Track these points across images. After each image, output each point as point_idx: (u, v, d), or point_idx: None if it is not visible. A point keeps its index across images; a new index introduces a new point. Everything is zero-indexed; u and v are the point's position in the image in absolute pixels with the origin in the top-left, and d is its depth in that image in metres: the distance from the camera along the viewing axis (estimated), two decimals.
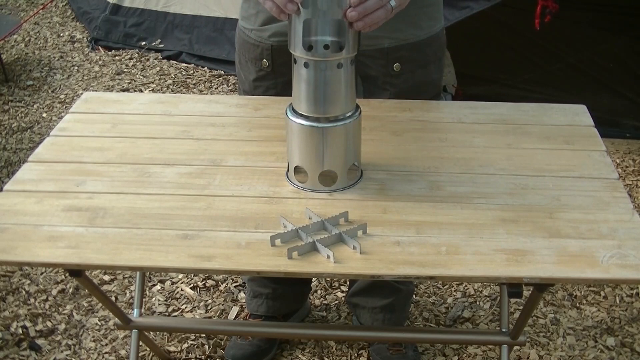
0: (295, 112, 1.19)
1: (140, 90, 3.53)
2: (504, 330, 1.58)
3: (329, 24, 1.14)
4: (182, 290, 2.18)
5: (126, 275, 2.23)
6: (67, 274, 2.21)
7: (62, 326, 2.04)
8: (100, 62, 3.86)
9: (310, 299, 2.09)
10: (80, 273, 1.26)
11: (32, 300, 2.14)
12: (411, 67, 1.48)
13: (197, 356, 1.92)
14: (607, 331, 1.99)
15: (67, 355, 1.94)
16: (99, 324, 2.05)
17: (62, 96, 3.50)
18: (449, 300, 2.11)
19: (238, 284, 2.18)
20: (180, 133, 1.40)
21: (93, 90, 3.33)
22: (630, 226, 1.10)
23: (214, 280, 2.20)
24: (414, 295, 2.03)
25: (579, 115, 1.45)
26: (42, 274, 2.25)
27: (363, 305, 1.88)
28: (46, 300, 2.14)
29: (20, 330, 2.01)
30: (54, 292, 2.17)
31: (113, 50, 3.98)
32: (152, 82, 3.61)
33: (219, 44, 3.75)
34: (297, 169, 1.22)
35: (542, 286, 1.21)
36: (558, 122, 1.42)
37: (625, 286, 2.14)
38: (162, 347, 1.93)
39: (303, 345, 1.95)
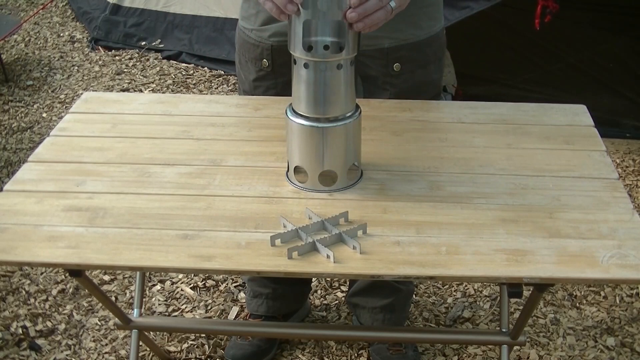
0: (295, 112, 1.19)
1: (140, 90, 3.53)
2: (504, 330, 1.58)
3: (328, 24, 1.14)
4: (182, 290, 2.18)
5: (126, 275, 2.23)
6: (67, 274, 2.21)
7: (62, 326, 2.04)
8: (100, 62, 3.86)
9: (310, 299, 2.09)
10: (80, 273, 1.26)
11: (32, 300, 2.14)
12: (411, 67, 1.48)
13: (197, 356, 1.93)
14: (607, 331, 1.99)
15: (67, 355, 1.94)
16: (99, 324, 2.05)
17: (62, 96, 3.50)
18: (449, 300, 2.11)
19: (238, 284, 2.18)
20: (180, 133, 1.40)
21: (93, 90, 3.33)
22: (630, 226, 1.10)
23: (214, 280, 2.20)
24: (414, 295, 2.03)
25: (579, 115, 1.45)
26: (42, 274, 2.25)
27: (363, 305, 1.88)
28: (46, 300, 2.14)
29: (20, 330, 2.01)
30: (54, 292, 2.17)
31: (113, 50, 3.98)
32: (152, 82, 3.61)
33: (219, 44, 3.75)
34: (297, 169, 1.22)
35: (542, 286, 1.21)
36: (558, 122, 1.42)
37: (625, 286, 2.14)
38: (162, 347, 1.93)
39: (303, 345, 1.95)
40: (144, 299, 2.09)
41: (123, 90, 3.51)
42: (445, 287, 2.16)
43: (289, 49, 1.13)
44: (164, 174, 1.26)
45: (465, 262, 1.03)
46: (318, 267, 1.04)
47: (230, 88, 3.52)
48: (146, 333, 1.76)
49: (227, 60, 3.64)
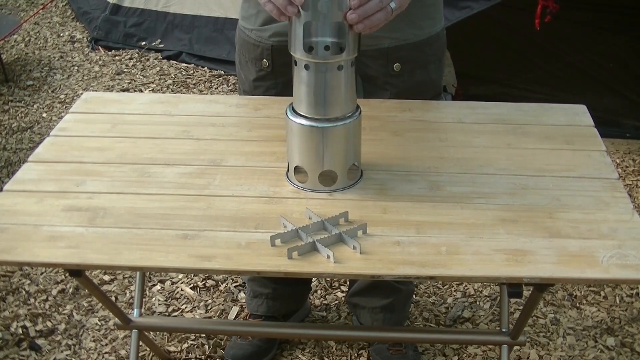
0: (295, 112, 1.19)
1: (140, 90, 3.53)
2: (504, 330, 1.58)
3: (329, 25, 1.15)
4: (182, 290, 2.18)
5: (126, 275, 2.23)
6: (67, 274, 2.21)
7: (62, 326, 2.04)
8: (100, 62, 3.86)
9: (310, 299, 2.09)
10: (80, 273, 1.26)
11: (32, 300, 2.14)
12: (411, 67, 1.48)
13: (197, 356, 1.93)
14: (607, 331, 1.99)
15: (67, 355, 1.94)
16: (99, 324, 2.05)
17: (62, 96, 3.50)
18: (449, 300, 2.11)
19: (238, 284, 2.18)
20: (180, 133, 1.40)
21: (93, 90, 3.33)
22: (630, 226, 1.10)
23: (214, 280, 2.20)
24: (414, 295, 2.03)
25: (579, 115, 1.45)
26: (42, 274, 2.25)
27: (363, 305, 1.88)
28: (46, 300, 2.14)
29: (20, 330, 2.01)
30: (54, 292, 2.17)
31: (113, 50, 3.98)
32: (152, 82, 3.61)
33: (219, 44, 3.75)
34: (297, 169, 1.22)
35: (542, 286, 1.21)
36: (558, 122, 1.42)
37: (625, 286, 2.14)
38: (162, 347, 1.93)
39: (303, 345, 1.95)
40: (144, 299, 2.09)
41: (123, 90, 3.51)
42: (445, 287, 2.16)
43: (290, 50, 1.13)
44: (164, 174, 1.26)
45: (465, 262, 1.03)
46: (318, 267, 1.04)
47: (230, 88, 3.52)
48: (146, 333, 1.76)
49: (227, 60, 3.64)
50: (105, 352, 1.94)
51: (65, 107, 3.36)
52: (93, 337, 2.00)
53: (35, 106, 3.40)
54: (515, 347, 1.76)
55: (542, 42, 3.04)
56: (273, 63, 1.50)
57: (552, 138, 1.36)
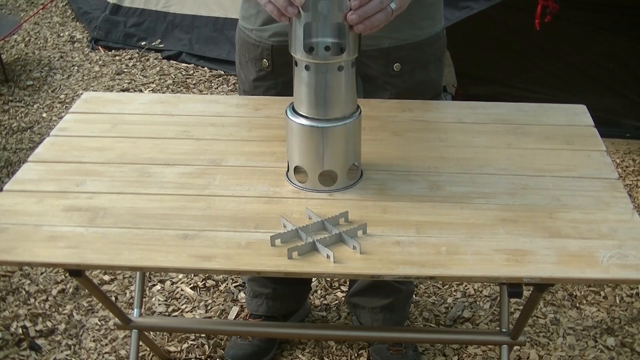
0: (295, 112, 1.19)
1: (140, 90, 3.53)
2: (504, 330, 1.58)
3: (329, 26, 1.15)
4: (182, 290, 2.18)
5: (126, 275, 2.23)
6: (67, 274, 2.21)
7: (62, 326, 2.04)
8: (100, 62, 3.86)
9: (310, 299, 2.09)
10: (80, 273, 1.26)
11: (32, 300, 2.14)
12: (411, 67, 1.48)
13: (197, 356, 1.93)
14: (607, 331, 1.99)
15: (67, 355, 1.94)
16: (99, 324, 2.05)
17: (62, 96, 3.50)
18: (449, 300, 2.11)
19: (238, 284, 2.18)
20: (180, 133, 1.40)
21: (93, 90, 3.33)
22: (630, 226, 1.10)
23: (214, 280, 2.21)
24: (414, 295, 2.03)
25: (579, 115, 1.45)
26: (42, 274, 2.25)
27: (363, 305, 1.88)
28: (46, 300, 2.14)
29: (20, 330, 2.01)
30: (54, 292, 2.17)
31: (113, 50, 3.98)
32: (152, 82, 3.61)
33: (219, 44, 3.75)
34: (297, 169, 1.22)
35: (542, 286, 1.21)
36: (558, 122, 1.42)
37: (625, 286, 2.14)
38: (162, 347, 1.93)
39: (303, 345, 1.95)
40: (144, 299, 2.09)
41: (123, 90, 3.51)
42: (445, 287, 2.16)
43: (290, 51, 1.13)
44: (164, 174, 1.26)
45: (465, 262, 1.03)
46: (318, 267, 1.04)
47: (230, 88, 3.52)
48: (146, 333, 1.76)
49: (227, 60, 3.64)
50: (105, 352, 1.94)
51: (65, 107, 3.36)
52: (93, 337, 2.00)
53: (35, 106, 3.40)
54: (515, 347, 1.76)
55: (542, 42, 3.04)
56: (273, 63, 1.50)
57: (552, 138, 1.36)
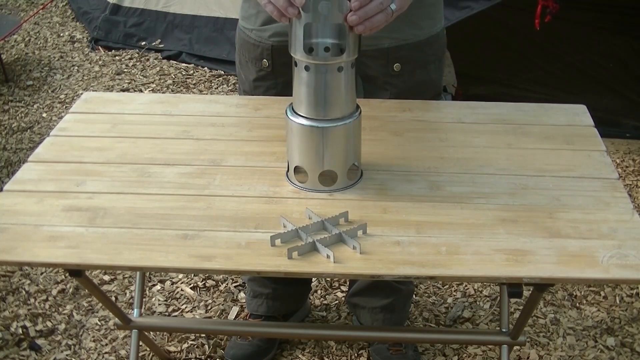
0: (295, 112, 1.19)
1: (140, 90, 3.53)
2: (504, 330, 1.58)
3: (329, 27, 1.15)
4: (182, 290, 2.18)
5: (126, 275, 2.23)
6: (67, 274, 2.21)
7: (62, 326, 2.04)
8: (100, 62, 3.86)
9: (310, 299, 2.09)
10: (80, 273, 1.26)
11: (32, 300, 2.14)
12: (411, 67, 1.48)
13: (197, 356, 1.93)
14: (607, 331, 1.99)
15: (67, 355, 1.94)
16: (99, 324, 2.05)
17: (62, 96, 3.50)
18: (449, 300, 2.11)
19: (238, 284, 2.18)
20: (180, 133, 1.40)
21: (93, 90, 3.33)
22: (630, 226, 1.10)
23: (214, 280, 2.20)
24: (414, 295, 2.03)
25: (579, 115, 1.45)
26: (42, 274, 2.25)
27: (363, 305, 1.88)
28: (46, 300, 2.14)
29: (20, 330, 2.01)
30: (54, 292, 2.17)
31: (113, 50, 3.98)
32: (152, 82, 3.61)
33: (219, 44, 3.75)
34: (297, 169, 1.22)
35: (542, 286, 1.21)
36: (558, 122, 1.42)
37: (625, 286, 2.14)
38: (162, 347, 1.93)
39: (303, 345, 1.95)
40: (144, 299, 2.09)
41: (123, 90, 3.51)
42: (445, 287, 2.16)
43: (290, 52, 1.13)
44: (164, 174, 1.26)
45: (465, 262, 1.03)
46: (318, 267, 1.04)
47: (230, 88, 3.52)
48: (146, 333, 1.76)
49: (227, 60, 3.64)
50: (105, 352, 1.94)
51: (65, 107, 3.36)
52: (93, 337, 2.00)
53: (35, 106, 3.40)
54: (515, 347, 1.76)
55: (542, 42, 3.04)
56: (273, 63, 1.50)
57: (552, 138, 1.36)
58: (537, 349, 1.93)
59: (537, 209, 1.15)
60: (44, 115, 3.31)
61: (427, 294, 2.14)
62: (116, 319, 1.63)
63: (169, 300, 2.14)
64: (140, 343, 1.70)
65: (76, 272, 1.22)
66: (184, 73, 3.70)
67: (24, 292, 2.17)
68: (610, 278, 1.02)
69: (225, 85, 3.56)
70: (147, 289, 2.17)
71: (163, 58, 3.86)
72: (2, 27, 3.76)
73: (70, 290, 2.17)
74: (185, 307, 2.11)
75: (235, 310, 2.08)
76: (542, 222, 1.12)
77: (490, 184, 1.22)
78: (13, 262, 1.25)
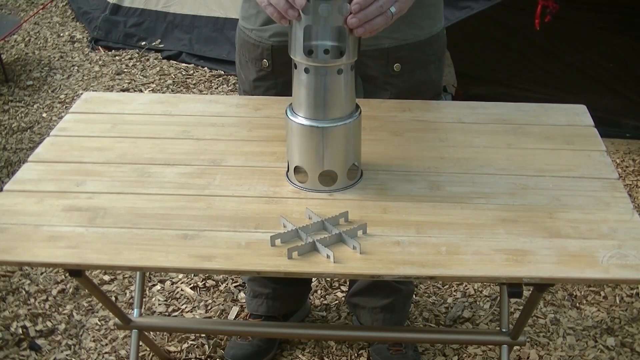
0: (295, 112, 1.19)
1: (140, 90, 3.53)
2: (504, 330, 1.58)
3: (329, 29, 1.15)
4: (182, 290, 2.18)
5: (126, 275, 2.23)
6: (67, 274, 2.21)
7: (62, 326, 2.04)
8: (100, 62, 3.86)
9: (310, 299, 2.09)
10: (80, 273, 1.26)
11: (32, 300, 2.14)
12: (411, 67, 1.48)
13: (197, 356, 1.93)
14: (607, 331, 1.99)
15: (67, 355, 1.94)
16: (99, 324, 2.05)
17: (62, 96, 3.50)
18: (449, 300, 2.11)
19: (238, 284, 2.18)
20: (180, 133, 1.40)
21: (93, 90, 3.33)
22: (630, 226, 1.10)
23: (214, 280, 2.21)
24: (414, 295, 2.03)
25: (579, 115, 1.45)
26: (42, 274, 2.25)
27: (363, 305, 1.88)
28: (46, 300, 2.14)
29: (20, 330, 2.01)
30: (54, 292, 2.17)
31: (113, 50, 3.98)
32: (152, 82, 3.61)
33: (219, 44, 3.75)
34: (297, 169, 1.22)
35: (542, 286, 1.21)
36: (558, 122, 1.42)
37: (625, 286, 2.14)
38: (162, 347, 1.93)
39: (303, 345, 1.95)
40: (144, 299, 2.09)
41: (123, 90, 3.51)
42: (445, 287, 2.16)
43: (290, 54, 1.14)
44: (164, 174, 1.26)
45: (465, 262, 1.03)
46: (318, 267, 1.04)
47: (230, 88, 3.52)
48: (146, 333, 1.76)
49: (227, 60, 3.64)
50: (105, 352, 1.94)
51: (65, 107, 3.36)
52: (93, 337, 2.00)
53: (35, 106, 3.40)
54: (515, 347, 1.76)
55: (542, 42, 3.04)
56: (273, 63, 1.50)
57: (552, 138, 1.36)
58: (537, 349, 1.93)
59: (537, 209, 1.15)
60: (44, 115, 3.31)
61: (427, 294, 2.14)
62: (116, 319, 1.63)
63: (169, 300, 2.14)
64: (140, 343, 1.70)
65: (76, 272, 1.22)
66: (184, 73, 3.70)
67: (24, 292, 2.17)
68: (610, 278, 1.02)
69: (225, 85, 3.56)
70: (147, 289, 2.17)
71: (163, 58, 3.86)
72: (2, 27, 3.76)
73: (70, 290, 2.17)
74: (185, 307, 2.11)
75: (235, 310, 2.08)
76: (542, 222, 1.12)
77: (490, 184, 1.22)
78: (13, 262, 1.25)
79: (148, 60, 3.85)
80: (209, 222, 1.13)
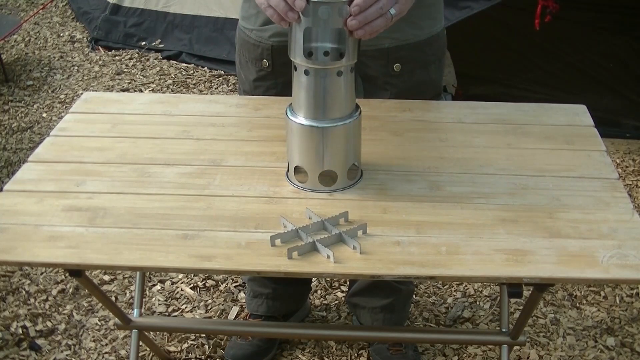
0: (295, 112, 1.19)
1: (140, 90, 3.53)
2: (504, 330, 1.58)
3: (329, 31, 1.15)
4: (182, 290, 2.18)
5: (126, 275, 2.23)
6: (67, 274, 2.21)
7: (62, 326, 2.04)
8: (100, 62, 3.86)
9: (310, 299, 2.09)
10: (80, 273, 1.26)
11: (32, 300, 2.14)
12: (411, 67, 1.48)
13: (197, 356, 1.93)
14: (607, 331, 1.99)
15: (67, 355, 1.94)
16: (99, 324, 2.05)
17: (62, 96, 3.50)
18: (449, 300, 2.11)
19: (238, 284, 2.18)
20: (180, 133, 1.40)
21: (93, 90, 3.33)
22: (630, 226, 1.10)
23: (214, 280, 2.21)
24: (414, 295, 2.03)
25: (579, 115, 1.45)
26: (42, 274, 2.25)
27: (363, 305, 1.88)
28: (46, 300, 2.14)
29: (20, 330, 2.01)
30: (54, 292, 2.17)
31: (113, 50, 3.98)
32: (152, 82, 3.61)
33: (219, 44, 3.75)
34: (297, 169, 1.22)
35: (542, 286, 1.21)
36: (558, 122, 1.42)
37: (625, 286, 2.14)
38: (162, 347, 1.93)
39: (303, 345, 1.95)
40: (144, 299, 2.09)
41: (123, 90, 3.51)
42: (445, 287, 2.16)
43: (290, 56, 1.14)
44: (164, 174, 1.26)
45: (465, 262, 1.03)
46: (318, 267, 1.04)
47: (230, 88, 3.52)
48: (146, 333, 1.76)
49: (227, 60, 3.64)
50: (105, 352, 1.94)
51: (65, 107, 3.36)
52: (93, 337, 2.00)
53: (35, 106, 3.40)
54: (515, 347, 1.76)
55: (542, 42, 3.04)
56: (273, 63, 1.50)
57: (552, 138, 1.36)
58: (537, 349, 1.93)
59: (537, 209, 1.15)
60: (44, 115, 3.31)
61: (427, 294, 2.14)
62: (116, 319, 1.63)
63: (169, 300, 2.14)
64: (140, 343, 1.70)
65: (76, 272, 1.22)
66: (184, 73, 3.70)
67: (24, 292, 2.17)
68: (610, 278, 1.02)
69: (225, 85, 3.56)
70: (147, 289, 2.17)
71: (163, 58, 3.86)
72: (2, 27, 3.76)
73: (70, 290, 2.17)
74: (185, 307, 2.11)
75: (235, 310, 2.08)
76: (542, 222, 1.12)
77: (490, 184, 1.22)
78: (13, 262, 1.25)
79: (148, 60, 3.85)
80: (209, 222, 1.13)
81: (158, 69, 3.75)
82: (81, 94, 1.67)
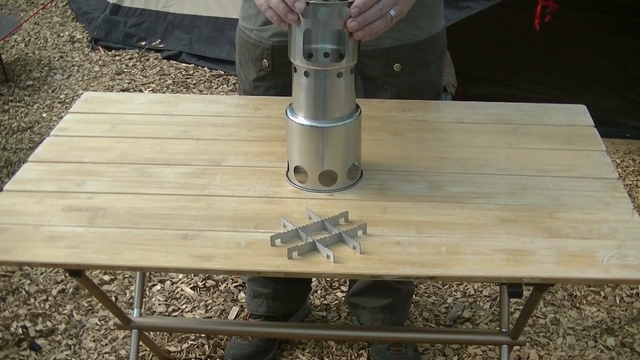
0: (295, 112, 1.19)
1: (140, 90, 3.53)
2: (504, 330, 1.58)
3: (329, 33, 1.15)
4: (182, 290, 2.18)
5: (126, 275, 2.23)
6: (67, 274, 2.21)
7: (62, 326, 2.04)
8: (100, 62, 3.86)
9: (310, 299, 2.09)
10: (80, 273, 1.26)
11: (32, 300, 2.14)
12: (411, 67, 1.48)
13: (197, 356, 1.93)
14: (607, 331, 1.99)
15: (67, 355, 1.94)
16: (99, 324, 2.05)
17: (62, 96, 3.50)
18: (449, 300, 2.11)
19: (238, 284, 2.18)
20: (180, 133, 1.40)
21: (93, 90, 3.33)
22: (630, 226, 1.10)
23: (214, 280, 2.21)
24: (414, 295, 2.03)
25: (579, 115, 1.45)
26: (42, 274, 2.25)
27: (363, 305, 1.88)
28: (46, 300, 2.14)
29: (20, 330, 2.01)
30: (54, 292, 2.17)
31: (113, 50, 3.98)
32: (152, 82, 3.61)
33: (219, 44, 3.75)
34: (297, 169, 1.22)
35: (542, 286, 1.21)
36: (558, 122, 1.42)
37: (625, 286, 2.14)
38: (162, 347, 1.93)
39: (303, 345, 1.95)
40: (144, 299, 2.09)
41: (123, 90, 3.51)
42: (445, 287, 2.16)
43: (290, 57, 1.14)
44: (164, 174, 1.26)
45: (465, 262, 1.03)
46: (318, 267, 1.04)
47: (230, 88, 3.52)
48: (146, 333, 1.76)
49: (227, 60, 3.64)
50: (105, 352, 1.94)
51: (65, 107, 3.36)
52: (93, 337, 2.00)
53: (35, 106, 3.40)
54: (515, 347, 1.76)
55: (542, 42, 3.04)
56: (273, 63, 1.50)
57: (552, 138, 1.36)
58: (537, 349, 1.93)
59: (537, 209, 1.15)
60: (44, 115, 3.31)
61: (427, 294, 2.14)
62: (116, 319, 1.63)
63: (169, 300, 2.14)
64: (140, 343, 1.70)
65: (76, 272, 1.22)
66: (184, 73, 3.70)
67: (24, 292, 2.17)
68: (610, 278, 1.02)
69: (225, 85, 3.56)
70: (147, 289, 2.18)
71: (163, 58, 3.86)
72: (2, 27, 3.76)
73: (70, 290, 2.17)
74: (185, 307, 2.11)
75: (235, 310, 2.08)
76: (542, 222, 1.12)
77: (490, 184, 1.22)
78: (13, 262, 1.25)
79: (148, 60, 3.85)
80: (209, 222, 1.13)
81: (158, 69, 3.75)
82: (81, 94, 1.67)
